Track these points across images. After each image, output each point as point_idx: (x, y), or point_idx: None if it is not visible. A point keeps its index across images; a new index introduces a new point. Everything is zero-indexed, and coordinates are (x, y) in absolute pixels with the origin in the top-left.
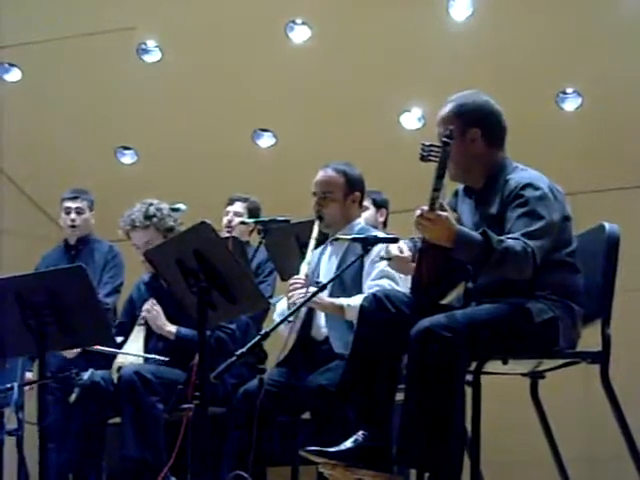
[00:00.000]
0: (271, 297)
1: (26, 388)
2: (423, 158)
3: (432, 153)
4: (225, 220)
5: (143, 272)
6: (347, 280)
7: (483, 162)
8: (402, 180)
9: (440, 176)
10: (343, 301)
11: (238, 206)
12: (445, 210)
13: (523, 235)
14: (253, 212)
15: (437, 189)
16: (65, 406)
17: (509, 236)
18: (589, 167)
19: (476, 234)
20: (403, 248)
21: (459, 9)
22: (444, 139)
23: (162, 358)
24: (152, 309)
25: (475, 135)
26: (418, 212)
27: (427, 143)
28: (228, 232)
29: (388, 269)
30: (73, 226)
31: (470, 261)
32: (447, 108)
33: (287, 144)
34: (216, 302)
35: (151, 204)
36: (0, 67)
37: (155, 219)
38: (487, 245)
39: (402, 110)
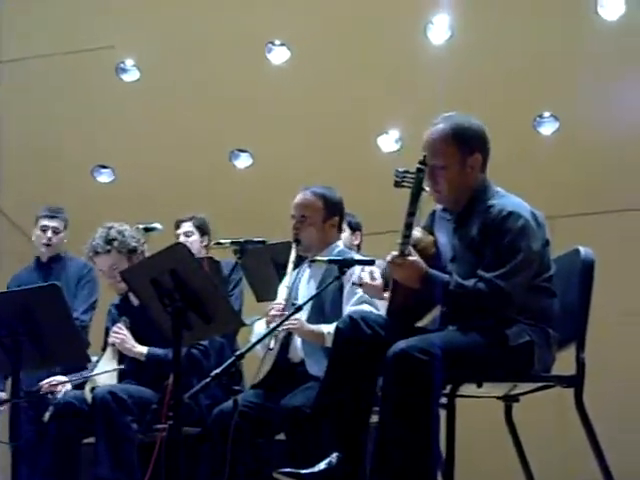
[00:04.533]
0: (240, 310)
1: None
2: (397, 184)
3: (406, 179)
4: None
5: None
6: (326, 305)
7: (470, 187)
8: (379, 202)
9: (414, 201)
10: (323, 328)
11: (187, 226)
12: (412, 255)
13: (499, 277)
14: (202, 228)
15: (412, 213)
16: (38, 425)
17: (484, 276)
18: (566, 191)
19: (444, 277)
20: (375, 274)
21: (437, 32)
22: (418, 165)
23: (120, 367)
24: (119, 334)
25: (475, 161)
26: (388, 258)
27: (401, 169)
28: None
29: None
30: (49, 245)
31: (438, 302)
32: (441, 130)
33: (264, 164)
34: (191, 322)
35: (111, 227)
36: None
37: (116, 242)
38: (452, 291)
39: (379, 132)
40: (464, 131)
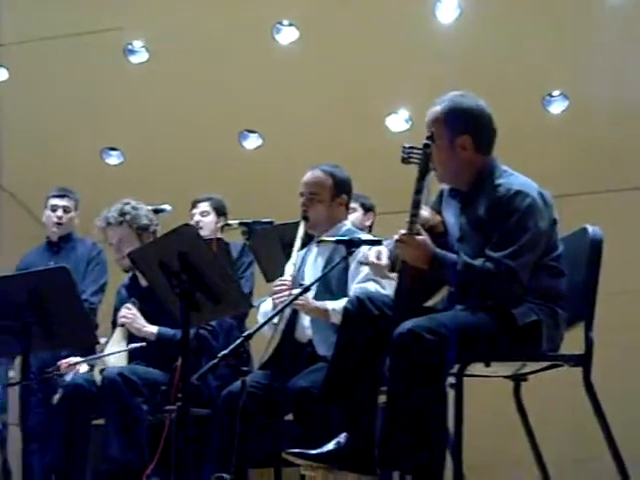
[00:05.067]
0: (251, 292)
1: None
2: (404, 160)
3: (413, 155)
4: (193, 222)
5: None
6: (333, 282)
7: (472, 167)
8: (389, 181)
9: (421, 178)
10: (328, 305)
11: (203, 206)
12: (421, 234)
13: (507, 256)
14: (219, 210)
15: (419, 191)
16: (49, 407)
17: (491, 255)
18: (576, 170)
19: (452, 257)
20: (382, 254)
21: (446, 11)
22: (425, 141)
23: (140, 344)
24: (128, 314)
25: (465, 142)
26: (396, 236)
27: (407, 145)
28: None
29: None
30: (59, 224)
31: (446, 282)
32: (435, 111)
33: (273, 145)
34: (200, 303)
35: (127, 203)
36: None
37: (128, 216)
38: (460, 271)
39: (389, 112)
40: (455, 112)
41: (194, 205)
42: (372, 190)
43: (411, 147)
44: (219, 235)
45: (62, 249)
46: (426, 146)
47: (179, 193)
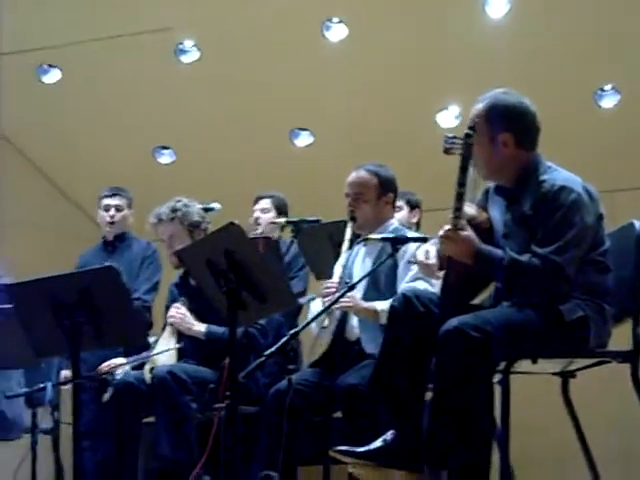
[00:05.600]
0: (304, 293)
1: (62, 387)
2: (446, 151)
3: (455, 146)
4: (252, 218)
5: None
6: (381, 282)
7: (515, 164)
8: (440, 178)
9: (464, 169)
10: (377, 305)
11: (264, 203)
12: (465, 229)
13: (552, 252)
14: (280, 208)
15: (462, 184)
16: (101, 405)
17: (537, 251)
18: (627, 164)
19: (497, 253)
20: (430, 253)
21: (496, 6)
22: (466, 131)
23: (177, 346)
24: (177, 313)
25: (506, 139)
26: (441, 232)
27: (450, 135)
28: (256, 229)
29: None
30: (112, 223)
31: (492, 278)
32: (477, 109)
33: (324, 143)
34: (246, 302)
35: (179, 200)
36: (40, 68)
37: (180, 213)
38: (506, 267)
39: (439, 108)
40: (497, 109)
41: (256, 201)
42: (422, 187)
43: (453, 137)
44: (279, 233)
45: (117, 248)
46: (468, 136)
47: (230, 192)
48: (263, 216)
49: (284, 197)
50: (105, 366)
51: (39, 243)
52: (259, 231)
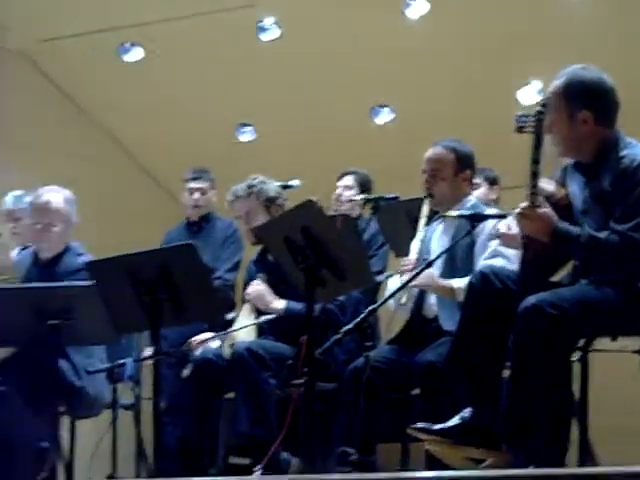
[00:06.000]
0: (383, 271)
1: (146, 363)
2: (518, 129)
3: (526, 124)
4: (335, 194)
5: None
6: (458, 260)
7: (594, 140)
8: (517, 155)
9: (537, 146)
10: (454, 283)
11: (347, 180)
12: (542, 206)
13: (631, 229)
14: (363, 185)
15: (536, 161)
16: (181, 381)
17: (616, 228)
18: None
19: (575, 230)
20: (512, 225)
21: None
22: (538, 109)
23: (269, 317)
24: (256, 289)
25: (585, 117)
26: (517, 209)
27: (520, 113)
28: (338, 206)
29: (501, 248)
30: (196, 206)
31: (570, 255)
32: (555, 85)
33: (404, 120)
34: (324, 279)
35: (256, 177)
36: (121, 47)
37: (256, 189)
38: (584, 244)
39: (520, 84)
40: (575, 86)
41: (340, 177)
42: (502, 163)
43: (524, 115)
44: (359, 211)
45: (202, 229)
46: (539, 113)
47: (310, 169)
48: (345, 193)
49: (368, 174)
50: (194, 340)
51: (122, 221)
52: (343, 208)
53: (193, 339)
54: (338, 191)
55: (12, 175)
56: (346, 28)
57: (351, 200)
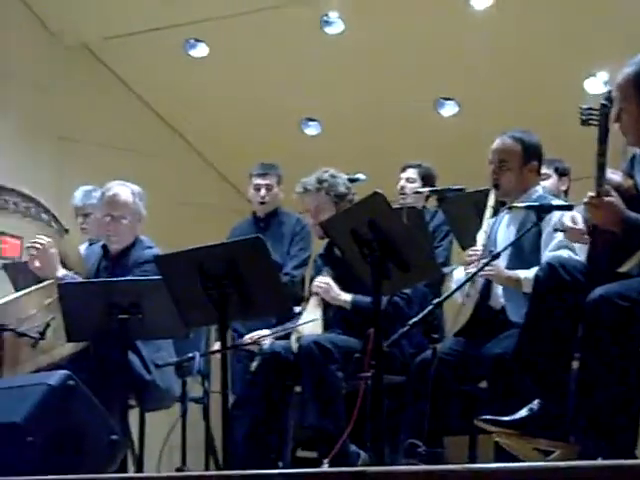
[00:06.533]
0: (446, 262)
1: (215, 357)
2: (583, 122)
3: (592, 117)
4: (398, 187)
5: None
6: (525, 251)
7: None
8: (585, 145)
9: (602, 140)
10: (520, 274)
11: (411, 172)
12: (611, 196)
13: None
14: (426, 177)
15: (602, 153)
16: (248, 375)
17: None
18: None
19: None
20: (577, 218)
21: None
22: (602, 102)
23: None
24: (323, 283)
25: None
26: (585, 199)
27: (585, 107)
28: (402, 199)
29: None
30: (262, 202)
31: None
32: (625, 74)
33: (470, 112)
34: (391, 272)
35: (326, 171)
36: (187, 43)
37: (326, 184)
38: None
39: (587, 75)
40: None
41: (403, 170)
42: (571, 154)
43: (589, 108)
44: (423, 203)
45: (269, 225)
46: (603, 106)
47: (375, 163)
48: (408, 185)
49: (431, 167)
50: (248, 337)
51: (189, 216)
52: (406, 200)
53: (255, 334)
54: (401, 183)
55: (80, 171)
56: (411, 20)
57: (417, 192)
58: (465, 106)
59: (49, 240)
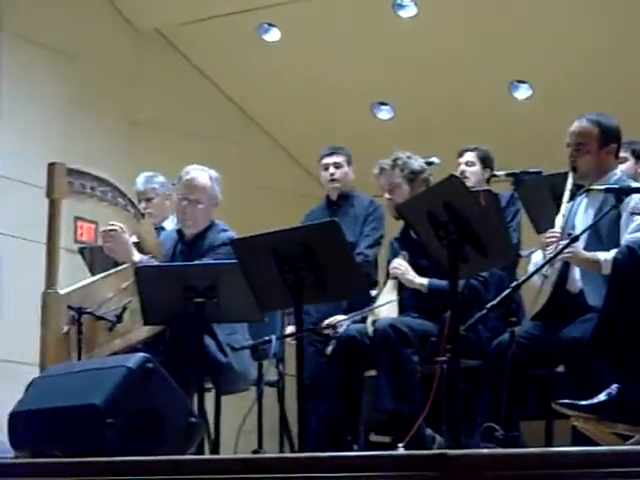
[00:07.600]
0: (518, 242)
1: (288, 340)
2: None
3: None
4: (458, 172)
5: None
6: (603, 233)
7: None
8: None
9: None
10: (599, 256)
11: (469, 156)
12: None
13: None
14: (485, 161)
15: None
16: (325, 358)
17: None
18: None
19: None
20: None
21: None
22: None
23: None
24: (399, 266)
25: None
26: None
27: None
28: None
29: None
30: (333, 180)
31: None
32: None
33: (543, 96)
34: (467, 255)
35: (403, 153)
36: (260, 27)
37: (400, 161)
38: None
39: None
40: None
41: (460, 154)
42: None
43: None
44: (485, 186)
45: (341, 207)
46: None
47: (449, 145)
48: (468, 169)
49: (489, 149)
50: (325, 324)
51: (264, 201)
52: (469, 184)
53: (332, 319)
54: (461, 168)
55: (152, 156)
56: (485, 5)
57: (494, 175)
58: (538, 89)
59: (121, 225)
